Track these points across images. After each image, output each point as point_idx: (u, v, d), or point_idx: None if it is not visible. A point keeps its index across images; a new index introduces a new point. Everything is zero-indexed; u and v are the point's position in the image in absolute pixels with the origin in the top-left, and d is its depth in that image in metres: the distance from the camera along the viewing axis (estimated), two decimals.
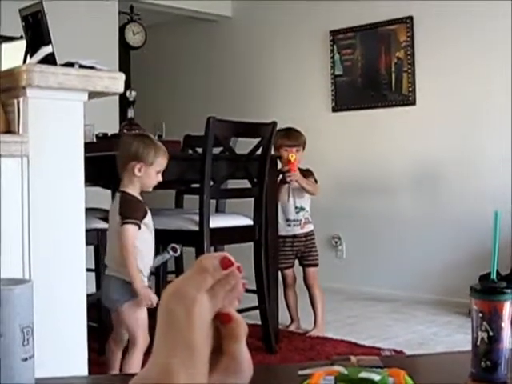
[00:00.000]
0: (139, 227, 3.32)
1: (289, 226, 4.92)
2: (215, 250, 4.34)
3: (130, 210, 3.33)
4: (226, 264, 0.85)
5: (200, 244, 3.95)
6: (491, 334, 1.36)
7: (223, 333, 0.85)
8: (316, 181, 5.05)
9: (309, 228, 5.01)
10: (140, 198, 3.40)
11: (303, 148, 5.01)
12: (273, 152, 4.87)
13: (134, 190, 3.38)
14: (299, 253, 4.98)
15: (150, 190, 3.47)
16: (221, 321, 0.85)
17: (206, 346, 0.83)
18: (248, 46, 7.47)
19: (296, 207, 4.95)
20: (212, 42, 7.80)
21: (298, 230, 4.95)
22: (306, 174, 5.01)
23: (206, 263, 0.85)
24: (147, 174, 3.37)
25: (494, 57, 5.69)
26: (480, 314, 1.37)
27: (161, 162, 3.41)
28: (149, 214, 3.40)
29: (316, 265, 4.99)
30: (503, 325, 1.37)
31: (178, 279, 0.85)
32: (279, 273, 4.87)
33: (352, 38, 6.59)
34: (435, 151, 6.08)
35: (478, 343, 1.38)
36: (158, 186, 4.65)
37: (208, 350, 0.83)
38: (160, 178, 3.43)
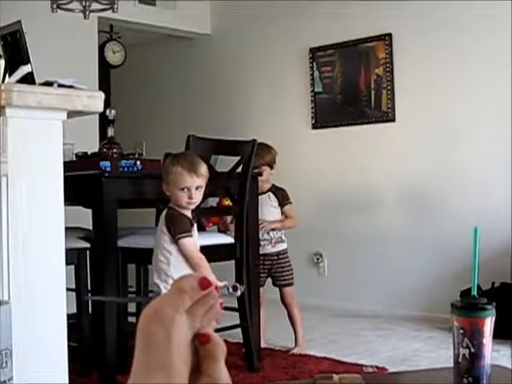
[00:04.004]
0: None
1: (259, 245, 4.86)
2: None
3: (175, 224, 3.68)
4: (204, 284, 0.84)
5: None
6: (473, 350, 1.37)
7: (202, 353, 0.84)
8: (290, 202, 5.01)
9: (280, 247, 4.94)
10: (184, 212, 3.68)
11: (270, 166, 4.94)
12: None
13: (176, 207, 3.69)
14: (271, 272, 4.92)
15: (191, 207, 3.69)
16: (199, 341, 0.84)
17: (185, 367, 0.82)
18: (227, 64, 7.48)
19: (278, 230, 4.93)
20: (191, 60, 7.80)
21: (268, 249, 4.90)
22: (280, 194, 4.96)
23: (184, 284, 0.85)
24: (172, 193, 3.64)
25: (473, 72, 5.73)
26: (461, 331, 1.37)
27: (178, 179, 3.60)
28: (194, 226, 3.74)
29: (290, 284, 4.94)
30: (484, 341, 1.37)
31: (156, 300, 0.85)
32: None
33: (331, 55, 6.61)
34: (415, 168, 6.10)
35: (460, 360, 1.38)
36: (138, 205, 4.65)
37: (187, 371, 0.83)
38: (193, 196, 3.62)
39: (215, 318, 0.86)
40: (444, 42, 5.90)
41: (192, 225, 3.70)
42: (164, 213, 3.71)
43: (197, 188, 3.62)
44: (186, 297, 0.83)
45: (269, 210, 4.91)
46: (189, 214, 3.69)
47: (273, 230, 4.89)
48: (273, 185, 5.01)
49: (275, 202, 4.95)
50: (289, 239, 5.01)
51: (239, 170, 4.36)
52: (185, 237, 3.63)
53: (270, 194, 4.95)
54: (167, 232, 3.64)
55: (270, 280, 4.97)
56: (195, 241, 3.72)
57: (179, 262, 3.63)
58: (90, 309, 4.16)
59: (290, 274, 4.95)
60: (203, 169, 3.65)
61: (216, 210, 4.69)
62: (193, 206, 3.68)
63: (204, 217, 4.51)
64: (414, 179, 6.11)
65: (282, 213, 4.96)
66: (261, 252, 4.82)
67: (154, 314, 0.83)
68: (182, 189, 3.59)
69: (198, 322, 0.84)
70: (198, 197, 3.64)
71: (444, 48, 5.90)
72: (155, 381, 0.80)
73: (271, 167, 4.95)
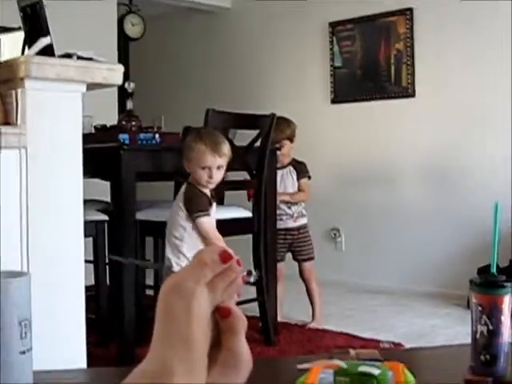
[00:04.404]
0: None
1: (281, 220, 4.85)
2: None
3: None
4: (225, 258, 0.84)
5: None
6: (491, 327, 1.36)
7: (222, 327, 0.84)
8: (309, 177, 5.02)
9: (301, 222, 4.97)
10: (203, 190, 3.64)
11: (290, 140, 4.95)
12: None
13: (195, 184, 3.64)
14: (292, 246, 4.94)
15: (210, 186, 3.64)
16: (220, 315, 0.84)
17: (204, 340, 0.82)
18: (247, 38, 7.45)
19: (287, 202, 4.92)
20: (211, 34, 7.77)
21: (290, 224, 4.92)
22: (299, 168, 4.98)
23: (205, 257, 0.84)
24: (193, 171, 3.59)
25: (494, 48, 5.67)
26: (480, 308, 1.37)
27: (200, 157, 3.56)
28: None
29: (311, 258, 4.97)
30: (503, 318, 1.36)
31: (176, 273, 0.85)
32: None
33: (351, 29, 6.57)
34: (434, 143, 6.07)
35: (478, 337, 1.37)
36: (156, 178, 4.65)
37: (207, 344, 0.83)
38: (214, 175, 3.57)
39: (236, 291, 0.86)
40: (466, 16, 5.84)
41: (211, 204, 3.67)
42: (183, 189, 3.68)
43: (218, 167, 3.57)
44: (207, 269, 0.83)
45: (290, 183, 4.93)
46: (208, 192, 3.67)
47: (294, 204, 4.91)
48: (293, 159, 5.01)
49: (295, 176, 4.96)
50: (307, 214, 5.02)
51: (258, 143, 4.35)
52: (203, 216, 3.60)
53: (291, 167, 4.97)
54: (184, 209, 3.63)
55: (289, 255, 4.98)
56: (213, 219, 3.71)
57: (193, 239, 3.61)
58: (107, 281, 4.18)
59: (310, 249, 4.97)
60: (226, 148, 3.61)
61: (235, 184, 4.68)
62: (213, 186, 3.64)
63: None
64: (434, 154, 6.08)
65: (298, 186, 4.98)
66: (282, 227, 4.84)
67: (174, 286, 0.83)
68: (203, 168, 3.55)
69: (218, 296, 0.84)
70: (218, 176, 3.60)
71: (465, 23, 5.84)
72: (175, 352, 0.80)
73: (291, 141, 4.95)
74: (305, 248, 4.95)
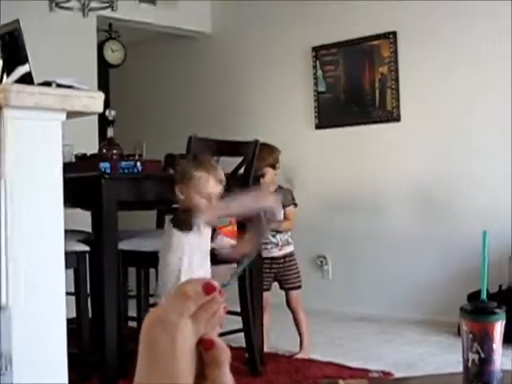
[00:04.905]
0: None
1: (266, 248, 4.80)
2: None
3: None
4: (208, 289, 0.83)
5: None
6: (482, 355, 1.35)
7: (206, 359, 0.83)
8: (295, 204, 4.97)
9: (287, 250, 4.90)
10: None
11: (273, 167, 4.89)
12: None
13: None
14: (278, 275, 4.88)
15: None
16: (203, 347, 0.83)
17: (189, 372, 0.81)
18: (228, 63, 7.44)
19: (271, 230, 4.87)
20: (192, 59, 7.75)
21: (275, 253, 4.86)
22: (283, 195, 4.91)
23: (188, 289, 0.83)
24: (191, 198, 3.50)
25: (478, 71, 5.68)
26: (471, 336, 1.35)
27: (202, 184, 3.49)
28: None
29: (298, 287, 4.90)
30: (494, 346, 1.35)
31: (159, 305, 0.85)
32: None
33: (335, 54, 6.56)
34: (421, 168, 6.04)
35: (469, 365, 1.36)
36: (138, 207, 4.60)
37: (192, 377, 0.82)
38: (214, 202, 3.50)
39: (219, 323, 0.85)
40: (450, 40, 5.85)
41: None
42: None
43: (216, 195, 3.54)
44: (190, 302, 0.82)
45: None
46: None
47: (279, 232, 4.85)
48: (278, 186, 4.97)
49: (280, 203, 4.91)
50: (293, 242, 4.97)
51: (242, 170, 4.32)
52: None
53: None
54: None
55: (276, 284, 4.93)
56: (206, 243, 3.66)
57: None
58: (89, 313, 4.12)
59: (297, 277, 4.91)
60: (222, 174, 3.59)
61: None
62: None
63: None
64: (420, 180, 6.05)
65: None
66: (268, 256, 4.80)
67: (158, 319, 0.82)
68: (204, 194, 3.50)
69: (202, 328, 0.83)
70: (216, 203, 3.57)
71: (449, 46, 5.85)
72: None
73: (274, 168, 4.90)
74: (291, 277, 4.88)
